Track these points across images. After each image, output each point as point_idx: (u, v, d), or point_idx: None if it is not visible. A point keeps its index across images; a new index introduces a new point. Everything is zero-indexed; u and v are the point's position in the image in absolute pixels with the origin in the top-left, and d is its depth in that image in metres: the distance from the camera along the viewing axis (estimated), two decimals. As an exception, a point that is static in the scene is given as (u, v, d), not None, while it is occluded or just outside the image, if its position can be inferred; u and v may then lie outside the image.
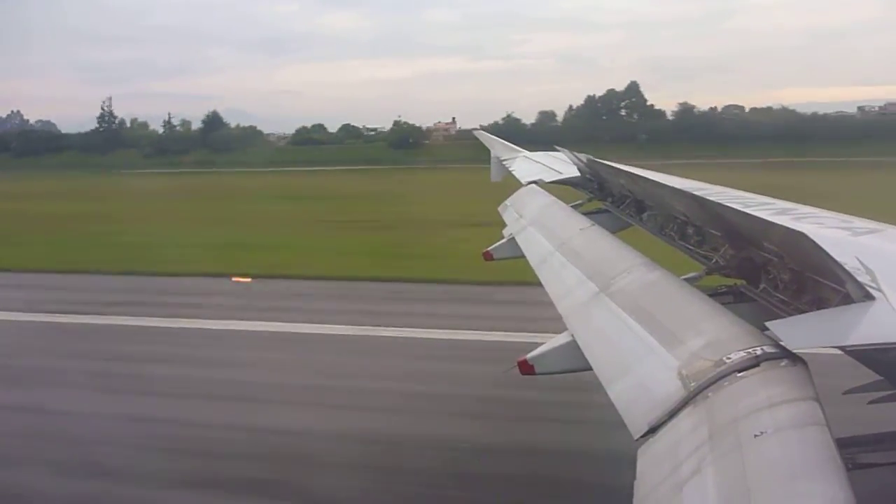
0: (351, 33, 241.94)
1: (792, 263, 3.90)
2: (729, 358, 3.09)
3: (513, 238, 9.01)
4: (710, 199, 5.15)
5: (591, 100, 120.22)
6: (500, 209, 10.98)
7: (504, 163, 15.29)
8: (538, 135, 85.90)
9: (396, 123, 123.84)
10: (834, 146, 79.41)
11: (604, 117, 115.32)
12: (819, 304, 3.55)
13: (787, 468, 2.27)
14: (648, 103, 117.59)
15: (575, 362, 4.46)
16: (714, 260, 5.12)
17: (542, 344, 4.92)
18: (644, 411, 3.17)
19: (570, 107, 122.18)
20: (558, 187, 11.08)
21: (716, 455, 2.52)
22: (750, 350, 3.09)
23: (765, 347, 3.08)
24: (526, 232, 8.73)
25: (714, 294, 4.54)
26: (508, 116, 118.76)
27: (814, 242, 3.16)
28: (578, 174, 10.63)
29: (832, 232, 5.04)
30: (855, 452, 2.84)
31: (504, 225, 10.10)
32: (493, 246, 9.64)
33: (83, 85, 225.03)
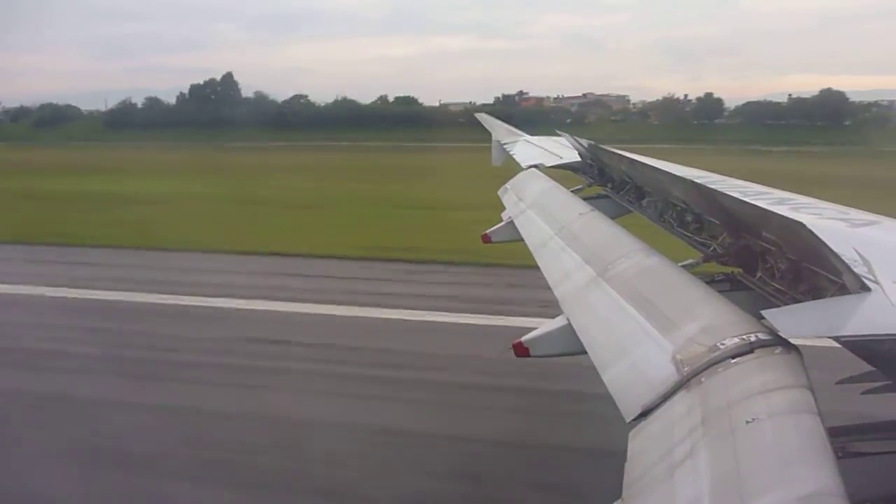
0: (360, 11, 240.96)
1: (789, 253, 3.91)
2: (723, 344, 3.11)
3: (512, 221, 9.02)
4: (710, 187, 5.15)
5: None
6: (499, 192, 10.97)
7: (505, 146, 15.24)
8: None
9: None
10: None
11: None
12: (815, 293, 3.56)
13: (779, 454, 2.29)
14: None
15: (570, 345, 4.49)
16: (712, 247, 5.13)
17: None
18: (637, 395, 3.19)
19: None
20: (559, 172, 11.06)
21: (708, 439, 2.54)
22: (744, 337, 3.11)
23: (759, 334, 3.10)
24: (525, 215, 8.73)
25: (711, 281, 4.56)
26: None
27: (811, 232, 3.17)
28: (579, 159, 10.61)
29: (830, 222, 5.05)
30: (846, 441, 2.87)
31: (503, 208, 10.10)
32: (492, 229, 9.65)
33: (85, 59, 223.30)
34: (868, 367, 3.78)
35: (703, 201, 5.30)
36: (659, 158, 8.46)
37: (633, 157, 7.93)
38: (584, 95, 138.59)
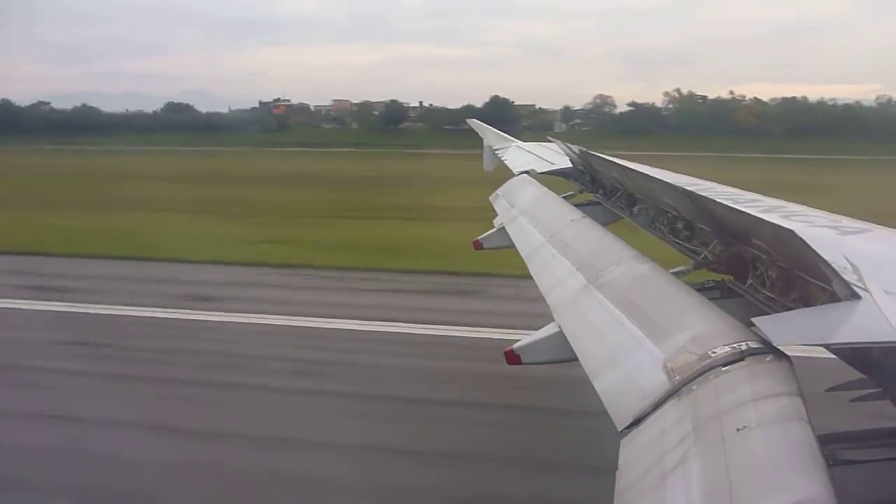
0: (320, 17, 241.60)
1: (780, 260, 3.92)
2: (714, 352, 3.11)
3: (503, 228, 9.03)
4: (701, 194, 5.17)
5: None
6: (491, 199, 10.99)
7: (496, 152, 15.28)
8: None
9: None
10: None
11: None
12: (806, 301, 3.57)
13: (769, 462, 2.29)
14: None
15: (562, 353, 4.49)
16: (703, 255, 5.14)
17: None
18: (629, 403, 3.19)
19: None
20: (550, 178, 11.09)
21: (699, 447, 2.54)
22: (735, 345, 3.11)
23: (750, 343, 3.10)
24: (516, 222, 8.74)
25: (701, 289, 4.56)
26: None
27: (802, 240, 3.18)
28: (570, 165, 10.64)
29: (821, 230, 5.06)
30: (836, 449, 2.87)
31: (495, 214, 10.12)
32: (484, 235, 9.66)
33: (38, 63, 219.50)
34: (858, 375, 3.79)
35: (694, 209, 5.32)
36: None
37: (624, 163, 7.96)
38: (334, 101, 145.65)
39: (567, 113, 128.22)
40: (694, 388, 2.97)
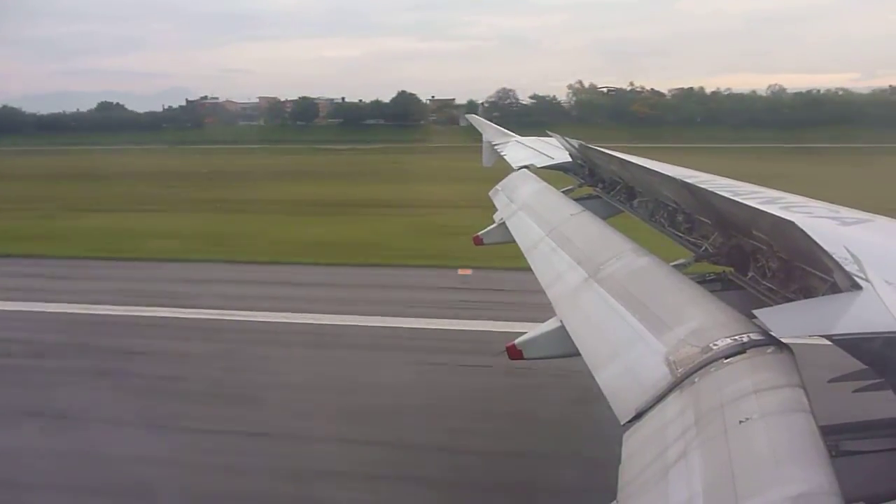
0: (300, 11, 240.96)
1: (780, 252, 3.92)
2: (716, 344, 3.11)
3: (503, 223, 9.01)
4: (701, 186, 5.16)
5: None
6: (491, 194, 10.97)
7: (496, 147, 15.25)
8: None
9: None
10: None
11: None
12: (806, 292, 3.57)
13: (772, 454, 2.29)
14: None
15: (563, 348, 4.49)
16: (703, 247, 5.13)
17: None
18: (631, 397, 3.19)
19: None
20: (550, 172, 11.07)
21: (701, 440, 2.54)
22: (737, 337, 3.11)
23: (751, 335, 3.10)
24: (516, 217, 8.73)
25: (702, 281, 4.56)
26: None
27: (803, 231, 3.17)
28: (570, 159, 10.61)
29: (821, 221, 5.06)
30: (838, 440, 2.86)
31: (495, 209, 10.10)
32: (484, 230, 9.65)
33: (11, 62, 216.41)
34: (860, 366, 3.78)
35: (694, 201, 5.31)
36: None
37: (623, 157, 7.94)
38: (258, 99, 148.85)
39: (472, 107, 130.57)
40: (696, 380, 2.97)
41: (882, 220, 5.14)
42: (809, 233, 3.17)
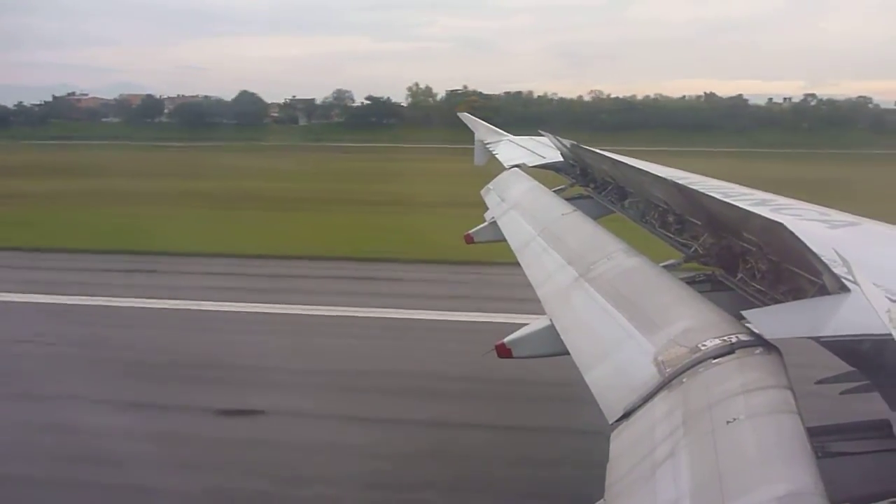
0: (260, 9, 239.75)
1: (770, 254, 3.93)
2: (704, 345, 3.12)
3: (494, 222, 9.02)
4: (691, 188, 5.17)
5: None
6: (482, 193, 10.98)
7: (488, 146, 15.25)
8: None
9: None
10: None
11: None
12: (795, 294, 3.58)
13: (759, 454, 2.30)
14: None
15: (553, 346, 4.49)
16: (693, 248, 5.15)
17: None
18: (619, 396, 3.19)
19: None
20: (541, 172, 11.08)
21: (689, 440, 2.54)
22: (725, 338, 3.12)
23: (740, 335, 3.11)
24: (508, 216, 8.74)
25: (692, 282, 4.57)
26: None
27: (792, 233, 3.18)
28: (562, 159, 10.63)
29: (810, 224, 5.08)
30: (825, 441, 2.88)
31: (486, 208, 10.11)
32: (475, 229, 9.65)
33: None
34: (848, 367, 3.80)
35: (684, 202, 5.32)
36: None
37: (615, 157, 7.96)
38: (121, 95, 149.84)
39: (311, 106, 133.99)
40: (684, 380, 2.98)
41: (870, 224, 5.17)
42: (799, 235, 3.19)
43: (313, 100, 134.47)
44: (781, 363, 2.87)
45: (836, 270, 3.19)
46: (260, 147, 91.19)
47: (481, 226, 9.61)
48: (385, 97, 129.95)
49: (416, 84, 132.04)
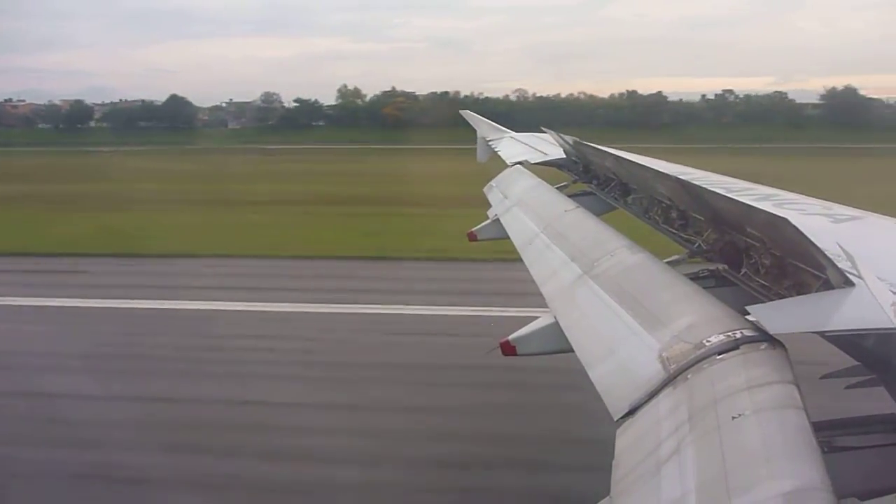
0: (224, 11, 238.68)
1: (774, 249, 3.92)
2: (709, 341, 3.12)
3: (497, 219, 9.01)
4: (695, 183, 5.16)
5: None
6: (485, 190, 10.97)
7: (490, 143, 15.24)
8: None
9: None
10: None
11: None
12: (799, 289, 3.58)
13: (765, 450, 2.30)
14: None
15: (557, 344, 4.49)
16: (697, 244, 5.15)
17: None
18: (624, 393, 3.19)
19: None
20: (544, 169, 11.07)
21: (694, 436, 2.54)
22: (730, 333, 3.12)
23: (745, 331, 3.11)
24: (510, 213, 8.73)
25: (696, 278, 4.57)
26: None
27: (796, 228, 3.18)
28: (564, 156, 10.62)
29: (814, 218, 5.07)
30: (831, 435, 2.88)
31: (489, 206, 10.10)
32: (478, 226, 9.64)
33: None
34: (853, 362, 3.80)
35: (687, 198, 5.32)
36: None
37: (618, 153, 7.95)
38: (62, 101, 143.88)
39: (239, 109, 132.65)
40: (689, 376, 2.97)
41: (874, 218, 5.16)
42: (802, 230, 3.18)
43: (251, 102, 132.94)
44: (786, 358, 2.87)
45: (840, 265, 3.19)
46: (183, 151, 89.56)
47: (484, 223, 9.60)
48: (313, 99, 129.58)
49: (345, 85, 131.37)
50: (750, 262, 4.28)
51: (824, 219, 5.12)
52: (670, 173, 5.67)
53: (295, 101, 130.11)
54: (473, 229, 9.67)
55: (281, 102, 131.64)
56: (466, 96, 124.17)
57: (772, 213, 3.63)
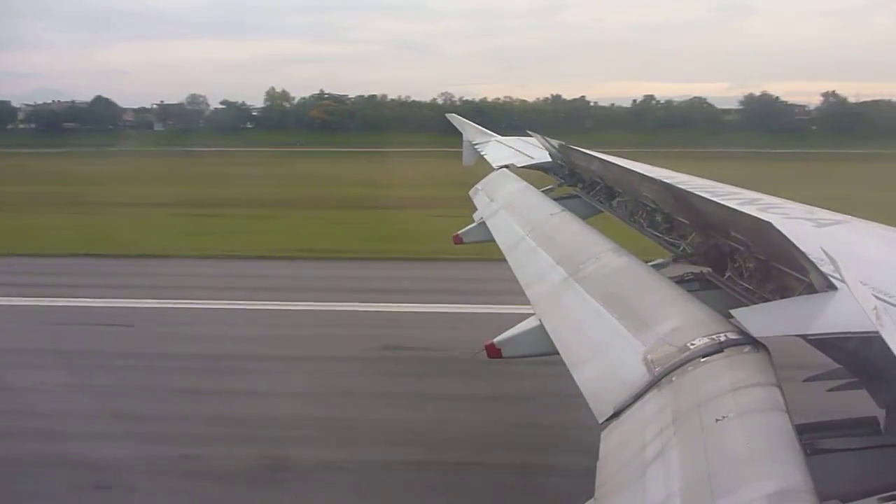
0: (183, 13, 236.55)
1: (758, 252, 3.95)
2: (693, 343, 3.13)
3: (483, 222, 9.02)
4: (679, 187, 5.19)
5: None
6: (471, 193, 10.98)
7: (476, 147, 15.27)
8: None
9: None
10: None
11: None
12: (783, 292, 3.60)
13: (748, 452, 2.30)
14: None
15: (542, 346, 4.49)
16: (681, 247, 5.17)
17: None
18: (609, 395, 3.20)
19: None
20: (530, 172, 11.10)
21: (679, 438, 2.55)
22: (714, 336, 3.13)
23: (729, 334, 3.12)
24: (496, 216, 8.74)
25: (680, 281, 4.58)
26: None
27: (780, 232, 3.20)
28: (550, 159, 10.65)
29: (798, 222, 5.11)
30: (814, 438, 2.89)
31: (475, 209, 10.11)
32: (464, 230, 9.65)
33: None
34: (835, 365, 3.82)
35: (672, 201, 5.34)
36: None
37: (603, 157, 7.98)
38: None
39: (164, 111, 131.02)
40: (674, 379, 2.98)
41: (857, 222, 5.20)
42: (786, 234, 3.20)
43: (181, 104, 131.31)
44: (770, 361, 2.88)
45: (823, 269, 3.21)
46: (100, 153, 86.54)
47: (470, 226, 9.61)
48: (240, 102, 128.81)
49: (273, 88, 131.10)
50: (734, 266, 4.30)
51: (808, 223, 5.16)
52: (655, 177, 5.69)
53: (221, 103, 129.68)
54: (459, 232, 9.68)
55: (207, 104, 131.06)
56: (393, 99, 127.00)
57: (756, 217, 3.65)
